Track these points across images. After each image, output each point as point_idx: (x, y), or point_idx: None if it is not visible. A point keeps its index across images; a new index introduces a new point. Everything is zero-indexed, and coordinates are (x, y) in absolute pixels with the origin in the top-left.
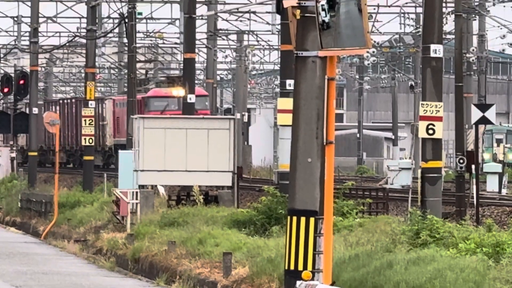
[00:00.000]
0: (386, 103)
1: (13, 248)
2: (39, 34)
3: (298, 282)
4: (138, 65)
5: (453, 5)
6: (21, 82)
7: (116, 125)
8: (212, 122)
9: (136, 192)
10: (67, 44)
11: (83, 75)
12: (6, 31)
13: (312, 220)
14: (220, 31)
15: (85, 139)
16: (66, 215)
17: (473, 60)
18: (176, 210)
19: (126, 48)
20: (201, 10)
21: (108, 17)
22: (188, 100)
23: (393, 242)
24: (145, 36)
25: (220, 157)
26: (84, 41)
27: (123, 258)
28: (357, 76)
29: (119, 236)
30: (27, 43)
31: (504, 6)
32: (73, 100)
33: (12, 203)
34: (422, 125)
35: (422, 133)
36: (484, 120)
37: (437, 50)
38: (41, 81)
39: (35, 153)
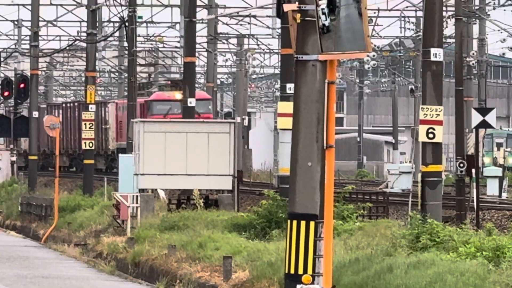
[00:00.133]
0: (386, 107)
1: (13, 252)
2: (40, 38)
3: (298, 286)
4: (139, 68)
5: (453, 9)
6: (22, 85)
7: (119, 128)
8: (212, 126)
9: (136, 196)
10: (68, 47)
11: (83, 79)
12: (7, 35)
13: (312, 224)
14: (221, 35)
15: (85, 143)
16: (66, 219)
17: (473, 64)
18: (176, 214)
19: (126, 52)
20: (202, 14)
21: (109, 21)
22: (188, 104)
23: (393, 246)
24: (146, 40)
25: (220, 161)
26: (84, 44)
27: (123, 262)
28: (357, 80)
29: (119, 240)
30: (28, 46)
31: (505, 10)
32: (76, 104)
33: (12, 206)
34: (422, 129)
35: (422, 137)
36: (484, 124)
37: (437, 54)
38: (42, 84)
39: (35, 157)
